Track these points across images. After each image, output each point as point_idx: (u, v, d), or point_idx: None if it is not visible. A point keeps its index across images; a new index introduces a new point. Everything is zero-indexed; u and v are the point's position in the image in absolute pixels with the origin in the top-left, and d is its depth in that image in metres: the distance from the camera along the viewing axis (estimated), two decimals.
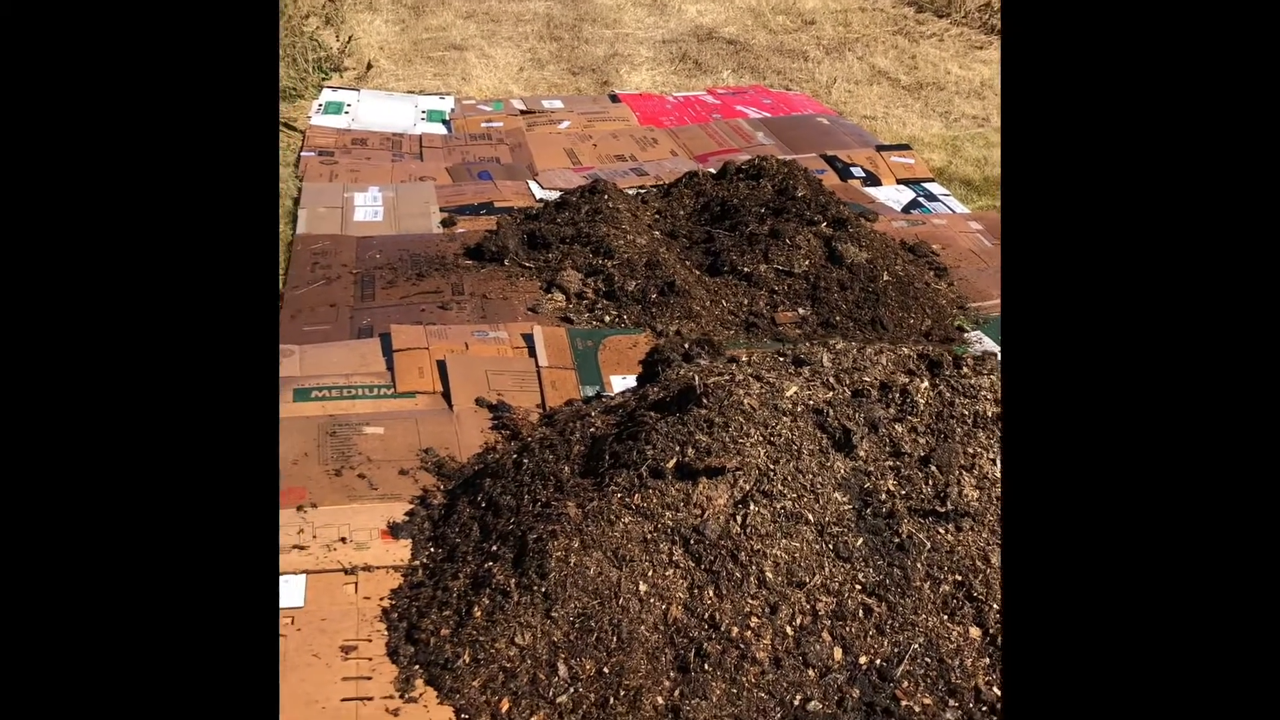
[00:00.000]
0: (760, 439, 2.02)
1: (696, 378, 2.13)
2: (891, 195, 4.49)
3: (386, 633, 1.97)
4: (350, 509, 2.29)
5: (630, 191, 4.08)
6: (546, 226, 3.64)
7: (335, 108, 5.24)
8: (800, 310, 3.20)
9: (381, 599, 2.06)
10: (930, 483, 2.00)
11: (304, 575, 2.09)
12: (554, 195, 4.15)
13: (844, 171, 4.64)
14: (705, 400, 2.07)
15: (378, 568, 2.13)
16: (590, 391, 2.81)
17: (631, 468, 2.03)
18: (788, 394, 2.08)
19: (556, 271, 3.40)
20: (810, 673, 1.86)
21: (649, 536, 1.96)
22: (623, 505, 1.98)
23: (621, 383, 2.84)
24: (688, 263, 3.48)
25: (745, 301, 3.24)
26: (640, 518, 1.97)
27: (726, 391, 2.08)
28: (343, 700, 1.82)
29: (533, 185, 4.40)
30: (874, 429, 2.05)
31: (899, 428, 2.06)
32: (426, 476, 2.42)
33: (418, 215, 4.00)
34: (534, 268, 3.48)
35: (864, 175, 4.62)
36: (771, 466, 2.00)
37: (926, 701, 1.84)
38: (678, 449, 2.02)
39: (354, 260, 3.56)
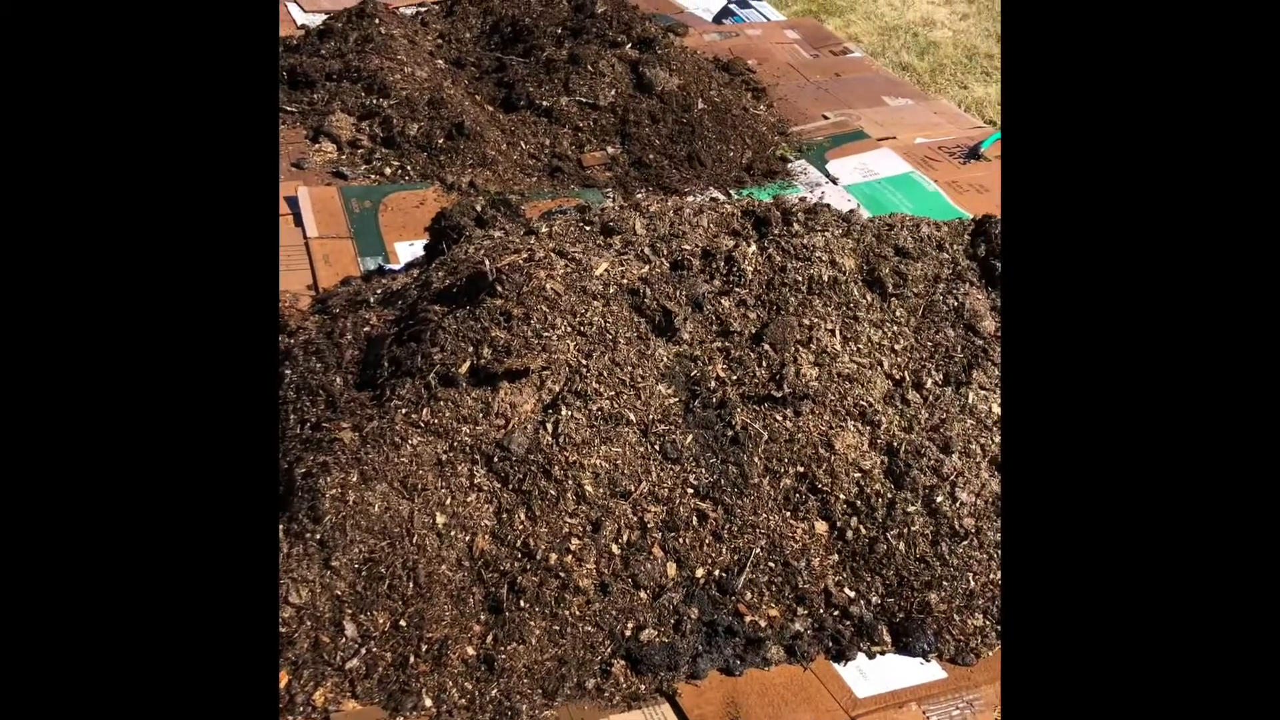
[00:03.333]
0: (569, 330, 1.71)
1: (487, 260, 1.77)
2: (700, 2, 4.10)
3: None
4: None
5: (407, 11, 3.54)
6: (309, 60, 3.11)
7: None
8: (609, 149, 2.84)
9: None
10: (764, 364, 1.75)
11: None
12: (318, 20, 3.57)
13: None
14: (500, 287, 1.73)
15: None
16: (372, 264, 2.41)
17: (417, 376, 1.69)
18: (597, 273, 1.76)
19: (323, 116, 2.90)
20: (642, 595, 1.63)
21: (444, 458, 1.64)
22: (409, 423, 1.66)
23: (409, 250, 2.45)
24: (478, 97, 3.04)
25: (547, 142, 2.85)
26: (432, 436, 1.65)
27: (525, 275, 1.74)
28: None
29: (292, 8, 3.78)
30: (698, 307, 1.76)
31: (726, 302, 1.78)
32: None
33: None
34: (297, 112, 2.97)
35: None
36: (584, 362, 1.70)
37: (773, 613, 1.64)
38: (471, 350, 1.69)
39: None
